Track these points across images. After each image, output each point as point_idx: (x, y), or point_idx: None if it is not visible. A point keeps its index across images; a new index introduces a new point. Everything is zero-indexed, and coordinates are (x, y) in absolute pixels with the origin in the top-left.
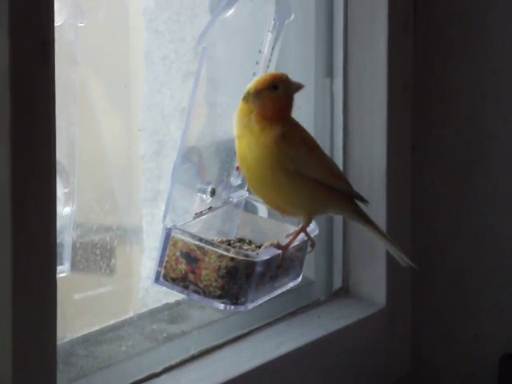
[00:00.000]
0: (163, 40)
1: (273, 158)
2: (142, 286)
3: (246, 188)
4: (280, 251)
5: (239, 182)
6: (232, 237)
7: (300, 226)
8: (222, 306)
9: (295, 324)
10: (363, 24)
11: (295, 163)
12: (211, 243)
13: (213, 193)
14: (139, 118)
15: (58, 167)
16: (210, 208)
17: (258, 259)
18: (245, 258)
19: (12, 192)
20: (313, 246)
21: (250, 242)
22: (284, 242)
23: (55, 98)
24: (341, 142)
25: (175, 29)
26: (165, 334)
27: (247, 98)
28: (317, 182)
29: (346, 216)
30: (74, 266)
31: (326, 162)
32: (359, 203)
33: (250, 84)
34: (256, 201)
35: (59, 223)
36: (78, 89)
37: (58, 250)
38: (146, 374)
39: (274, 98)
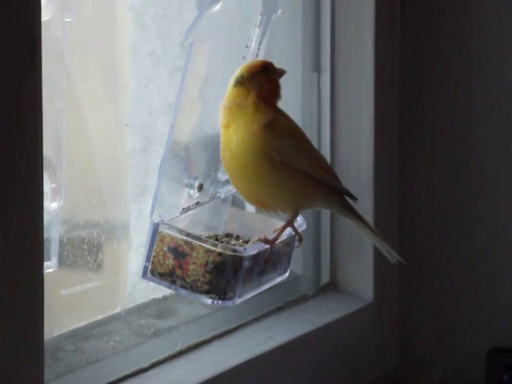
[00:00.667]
0: (150, 35)
1: (257, 146)
2: (129, 282)
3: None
4: (267, 246)
5: (226, 177)
6: (219, 232)
7: (287, 220)
8: (209, 301)
9: (283, 319)
10: (350, 19)
11: (281, 153)
12: (199, 238)
13: (200, 188)
14: (126, 114)
15: (45, 162)
16: (198, 203)
17: (245, 254)
18: (232, 253)
19: None
20: (300, 240)
21: (237, 237)
22: (271, 237)
23: (42, 94)
24: (328, 137)
25: (162, 24)
26: (152, 329)
27: (242, 81)
28: (303, 174)
29: (334, 210)
30: (61, 262)
31: (314, 155)
32: (347, 198)
33: (240, 69)
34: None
35: (46, 218)
36: (65, 84)
37: (46, 245)
38: (133, 369)
39: (269, 79)
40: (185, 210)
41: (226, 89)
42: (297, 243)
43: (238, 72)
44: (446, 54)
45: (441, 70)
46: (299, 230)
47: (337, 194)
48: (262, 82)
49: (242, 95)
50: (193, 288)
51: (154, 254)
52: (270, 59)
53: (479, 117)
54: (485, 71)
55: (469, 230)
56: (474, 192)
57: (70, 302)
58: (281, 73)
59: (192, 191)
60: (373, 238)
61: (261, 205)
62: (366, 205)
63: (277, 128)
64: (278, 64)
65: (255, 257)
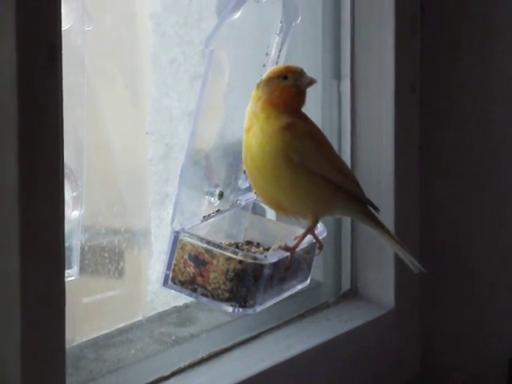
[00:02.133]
0: (171, 43)
1: (276, 147)
2: (150, 289)
3: (254, 191)
4: (288, 253)
5: (247, 184)
6: (240, 239)
7: (307, 227)
8: (230, 309)
9: (304, 326)
10: (370, 25)
11: (301, 156)
12: (219, 246)
13: (221, 196)
14: (147, 121)
15: (66, 171)
16: (218, 211)
17: (266, 262)
18: (253, 261)
19: (20, 196)
20: (321, 248)
21: (258, 245)
22: (292, 244)
23: (63, 102)
24: (348, 144)
25: (182, 32)
26: (173, 337)
27: (259, 85)
28: (324, 178)
29: (356, 218)
30: (82, 270)
31: (336, 160)
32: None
33: (265, 73)
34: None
35: (67, 227)
36: (85, 92)
37: (67, 253)
38: (154, 377)
39: (282, 86)
40: (205, 218)
41: (247, 96)
42: (317, 251)
43: (263, 75)
44: (466, 59)
45: (462, 75)
46: (320, 238)
47: (358, 202)
48: (274, 88)
49: (256, 100)
50: (214, 296)
51: (174, 261)
52: None
53: (500, 123)
54: (506, 77)
55: (491, 236)
56: (495, 198)
57: (91, 310)
58: (308, 81)
59: (212, 199)
60: (395, 248)
61: (280, 209)
62: (386, 212)
63: (296, 130)
64: None
65: (276, 264)
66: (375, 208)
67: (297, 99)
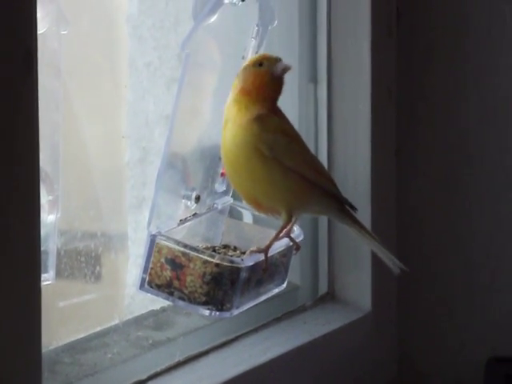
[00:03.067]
0: (147, 47)
1: (246, 140)
2: (127, 293)
3: (230, 194)
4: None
5: (224, 188)
6: (217, 243)
7: (280, 226)
8: (207, 313)
9: (281, 330)
10: (347, 29)
11: (271, 149)
12: (196, 249)
13: (197, 199)
14: (123, 125)
15: (42, 174)
16: (195, 214)
17: (242, 265)
18: (230, 264)
19: None
20: (298, 249)
21: (235, 248)
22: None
23: (39, 106)
24: (325, 147)
25: (159, 35)
26: (150, 341)
27: (237, 74)
28: (297, 174)
29: (332, 216)
30: (58, 274)
31: (309, 157)
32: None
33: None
34: (241, 207)
35: (43, 231)
36: (61, 96)
37: (43, 257)
38: (131, 381)
39: (256, 73)
40: (182, 222)
41: (223, 99)
42: (294, 251)
43: None
44: (442, 63)
45: (437, 79)
46: (297, 241)
47: (334, 200)
48: (248, 75)
49: (233, 90)
50: (190, 299)
51: (151, 265)
52: None
53: (475, 126)
54: (481, 80)
55: (466, 239)
56: (470, 201)
57: (67, 314)
58: (283, 67)
59: (189, 202)
60: (373, 246)
61: (257, 205)
62: (363, 215)
63: (267, 123)
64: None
65: (253, 268)
66: (352, 207)
67: (271, 86)
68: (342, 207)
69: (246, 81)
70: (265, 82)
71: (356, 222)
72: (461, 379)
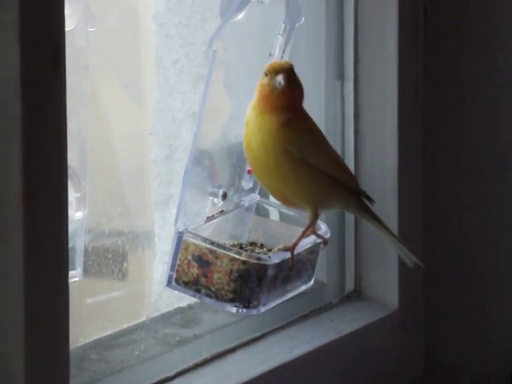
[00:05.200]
0: (174, 44)
1: (276, 144)
2: (154, 290)
3: (257, 191)
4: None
5: (250, 185)
6: (244, 240)
7: (307, 224)
8: (234, 310)
9: (308, 327)
10: (374, 26)
11: (300, 150)
12: (223, 247)
13: (224, 196)
14: (150, 122)
15: (70, 172)
16: (222, 212)
17: (269, 262)
18: (257, 262)
19: (24, 197)
20: (326, 243)
21: (261, 246)
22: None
23: (66, 103)
24: (352, 145)
25: (186, 33)
26: (177, 338)
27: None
28: (322, 172)
29: (352, 211)
30: (86, 271)
31: (332, 154)
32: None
33: (278, 66)
34: (267, 204)
35: (71, 228)
36: (88, 93)
37: (70, 254)
38: (158, 378)
39: (262, 84)
40: (209, 219)
41: (250, 97)
42: (322, 246)
43: None
44: (470, 60)
45: (465, 76)
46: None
47: (355, 196)
48: (258, 84)
49: (256, 92)
50: (217, 296)
51: (178, 262)
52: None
53: (505, 124)
54: (510, 77)
55: (495, 236)
56: (499, 199)
57: (95, 311)
58: (278, 82)
59: (216, 200)
60: (391, 241)
61: (286, 201)
62: (390, 213)
63: (292, 126)
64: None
65: (279, 265)
66: (370, 199)
67: (275, 97)
68: (361, 203)
69: (257, 90)
70: (268, 93)
71: (375, 218)
72: (489, 377)
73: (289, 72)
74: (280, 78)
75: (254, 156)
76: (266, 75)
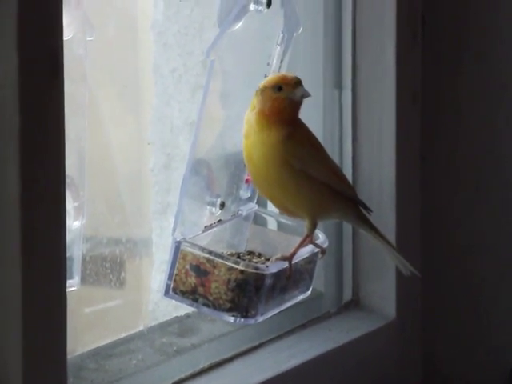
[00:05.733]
0: (172, 53)
1: (279, 157)
2: (151, 299)
3: (255, 201)
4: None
5: (248, 194)
6: (241, 250)
7: (305, 234)
8: (231, 319)
9: (306, 337)
10: (372, 35)
11: (301, 162)
12: (221, 256)
13: (222, 206)
14: (148, 131)
15: (68, 181)
16: (220, 221)
17: (267, 272)
18: (254, 271)
19: (21, 206)
20: (323, 252)
21: (259, 255)
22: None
23: (64, 112)
24: (350, 154)
25: (184, 42)
26: (175, 348)
27: (256, 92)
28: (322, 184)
29: (350, 222)
30: (83, 280)
31: (332, 165)
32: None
33: (264, 80)
34: (265, 213)
35: (69, 237)
36: (87, 102)
37: (68, 263)
38: None
39: (275, 98)
40: (207, 228)
41: (248, 106)
42: (320, 255)
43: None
44: (468, 68)
45: (463, 84)
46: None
47: (353, 206)
48: (267, 99)
49: (252, 108)
50: (215, 306)
51: (176, 271)
52: None
53: (502, 132)
54: (508, 85)
55: (492, 245)
56: (497, 207)
57: (92, 320)
58: (300, 95)
59: (214, 209)
60: (387, 251)
61: (285, 211)
62: (388, 221)
63: (294, 139)
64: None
65: (277, 274)
66: (367, 208)
67: (290, 111)
68: (359, 213)
69: (265, 105)
70: (284, 107)
71: (372, 228)
72: None
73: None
74: (303, 90)
75: (256, 167)
76: (280, 89)
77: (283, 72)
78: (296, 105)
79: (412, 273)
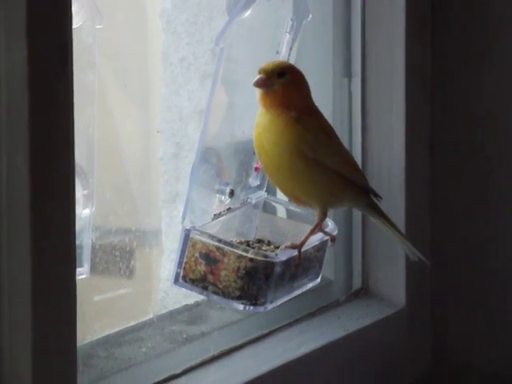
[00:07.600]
0: (181, 42)
1: (290, 143)
2: (161, 288)
3: (264, 189)
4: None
5: (258, 182)
6: (251, 238)
7: (315, 222)
8: (241, 307)
9: (315, 324)
10: (381, 23)
11: (314, 150)
12: (230, 244)
13: (231, 194)
14: (157, 120)
15: (77, 169)
16: (229, 209)
17: (277, 260)
18: (264, 259)
19: (31, 194)
20: (333, 240)
21: (268, 243)
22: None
23: (74, 100)
24: (359, 142)
25: (193, 30)
26: (184, 336)
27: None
28: (334, 172)
29: (360, 209)
30: (93, 268)
31: (344, 153)
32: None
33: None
34: (275, 201)
35: (78, 225)
36: (96, 91)
37: (78, 251)
38: (165, 375)
39: (284, 85)
40: (216, 216)
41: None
42: (330, 243)
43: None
44: (478, 57)
45: (473, 73)
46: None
47: (364, 194)
48: (276, 86)
49: (261, 97)
50: (224, 294)
51: (185, 260)
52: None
53: (511, 123)
54: None
55: (503, 234)
56: (508, 196)
57: (102, 308)
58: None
59: (223, 197)
60: (397, 238)
61: (296, 199)
62: (398, 210)
63: (306, 125)
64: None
65: (287, 262)
66: (377, 196)
67: (301, 94)
68: (370, 201)
69: (276, 93)
70: (292, 91)
71: (382, 215)
72: (496, 374)
73: (270, 72)
74: (256, 79)
75: (267, 155)
76: (283, 75)
77: (290, 59)
78: (303, 87)
79: (421, 260)
